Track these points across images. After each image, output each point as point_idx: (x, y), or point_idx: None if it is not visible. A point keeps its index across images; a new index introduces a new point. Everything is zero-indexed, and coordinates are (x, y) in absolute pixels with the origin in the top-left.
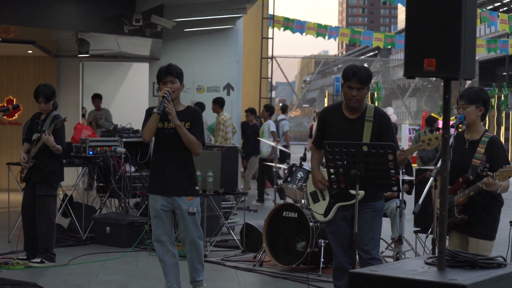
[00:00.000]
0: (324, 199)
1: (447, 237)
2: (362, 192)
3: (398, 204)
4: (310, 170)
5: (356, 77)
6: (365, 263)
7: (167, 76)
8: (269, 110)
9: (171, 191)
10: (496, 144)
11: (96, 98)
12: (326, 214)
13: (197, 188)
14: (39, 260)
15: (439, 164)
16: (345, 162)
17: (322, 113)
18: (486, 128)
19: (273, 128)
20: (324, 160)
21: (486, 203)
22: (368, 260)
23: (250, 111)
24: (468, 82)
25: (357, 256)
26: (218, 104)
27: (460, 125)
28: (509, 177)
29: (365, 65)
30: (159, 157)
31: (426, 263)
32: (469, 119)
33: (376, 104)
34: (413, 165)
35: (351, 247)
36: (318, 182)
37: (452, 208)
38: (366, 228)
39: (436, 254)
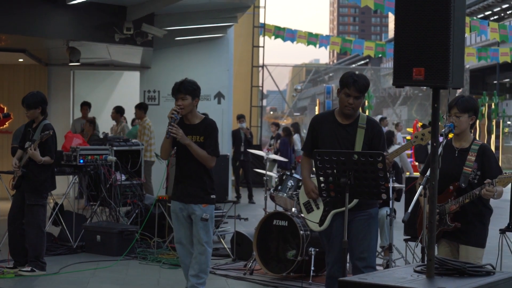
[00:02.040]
0: (318, 208)
1: (436, 245)
2: (355, 200)
3: (388, 212)
4: (300, 178)
5: (355, 85)
6: (358, 272)
7: (178, 93)
8: (144, 108)
9: (188, 199)
10: (487, 151)
11: (85, 106)
12: (321, 222)
13: (212, 197)
14: (29, 268)
15: (428, 173)
16: (334, 170)
17: (313, 120)
18: (477, 136)
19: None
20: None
21: (478, 211)
22: (363, 268)
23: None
24: (459, 90)
25: (350, 265)
26: (143, 109)
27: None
28: (508, 183)
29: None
30: (179, 166)
31: (415, 271)
32: (461, 128)
33: (367, 113)
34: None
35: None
36: (311, 192)
37: (443, 217)
38: (362, 236)
39: (425, 262)
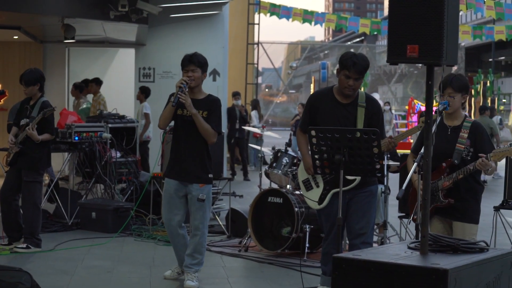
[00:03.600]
0: (317, 186)
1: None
2: (358, 178)
3: (382, 190)
4: (295, 155)
5: (355, 68)
6: (356, 249)
7: (190, 64)
8: (145, 92)
9: (185, 177)
10: (479, 128)
11: (91, 82)
12: (321, 201)
13: (210, 176)
14: (25, 245)
15: (422, 150)
16: (329, 147)
17: (312, 98)
18: (472, 114)
19: (146, 110)
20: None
21: (471, 187)
22: (361, 244)
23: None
24: (454, 68)
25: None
26: (98, 84)
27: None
28: (505, 157)
29: (351, 51)
30: (177, 143)
31: (409, 247)
32: (455, 107)
33: (362, 90)
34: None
35: (343, 231)
36: (311, 167)
37: (436, 193)
38: (361, 212)
39: (419, 239)
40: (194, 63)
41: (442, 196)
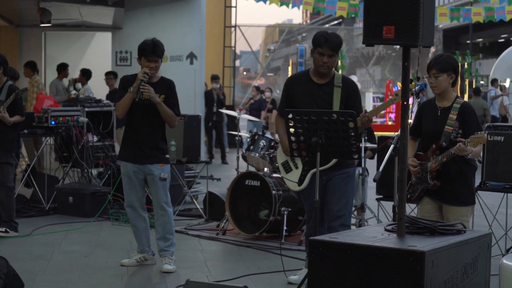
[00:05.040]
0: (296, 167)
1: (418, 203)
2: (334, 159)
3: (360, 172)
4: (272, 138)
5: (328, 44)
6: (334, 231)
7: (153, 56)
8: (86, 75)
9: (143, 159)
10: (468, 110)
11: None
12: (300, 182)
13: (167, 156)
14: (3, 229)
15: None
16: (306, 130)
17: (288, 81)
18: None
19: (88, 93)
20: None
21: (459, 169)
22: (339, 227)
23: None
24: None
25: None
26: (31, 67)
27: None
28: (480, 143)
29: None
30: (132, 126)
31: (386, 230)
32: (441, 88)
33: (340, 72)
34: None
35: (323, 213)
36: (288, 150)
37: (425, 175)
38: (339, 195)
39: (396, 221)
40: (157, 55)
41: (430, 178)
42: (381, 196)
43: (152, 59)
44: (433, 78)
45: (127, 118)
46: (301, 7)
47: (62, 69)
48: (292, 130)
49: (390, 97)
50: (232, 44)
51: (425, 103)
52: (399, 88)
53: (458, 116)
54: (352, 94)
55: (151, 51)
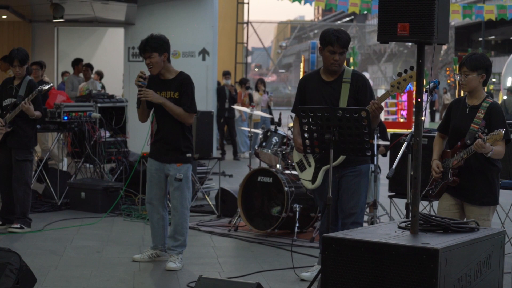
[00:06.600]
0: (310, 165)
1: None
2: (342, 156)
3: (373, 169)
4: (285, 135)
5: (339, 42)
6: (346, 229)
7: (144, 52)
8: (8, 60)
9: (163, 157)
10: (495, 109)
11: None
12: (314, 180)
13: (188, 155)
14: (18, 225)
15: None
16: (319, 126)
17: (301, 81)
18: (461, 93)
19: (94, 86)
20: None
21: (481, 167)
22: (351, 224)
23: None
24: (444, 47)
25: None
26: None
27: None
28: (497, 140)
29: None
30: (157, 124)
31: (399, 227)
32: (471, 86)
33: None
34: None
35: (337, 210)
36: (300, 146)
37: (447, 171)
38: (351, 192)
39: (410, 219)
40: (148, 50)
41: (451, 174)
42: (394, 193)
43: (145, 55)
44: (463, 76)
45: (154, 115)
46: (313, 3)
47: (76, 64)
48: (305, 127)
49: (402, 94)
50: (244, 41)
51: (455, 100)
52: (411, 88)
53: (486, 115)
54: (362, 89)
55: (142, 48)
